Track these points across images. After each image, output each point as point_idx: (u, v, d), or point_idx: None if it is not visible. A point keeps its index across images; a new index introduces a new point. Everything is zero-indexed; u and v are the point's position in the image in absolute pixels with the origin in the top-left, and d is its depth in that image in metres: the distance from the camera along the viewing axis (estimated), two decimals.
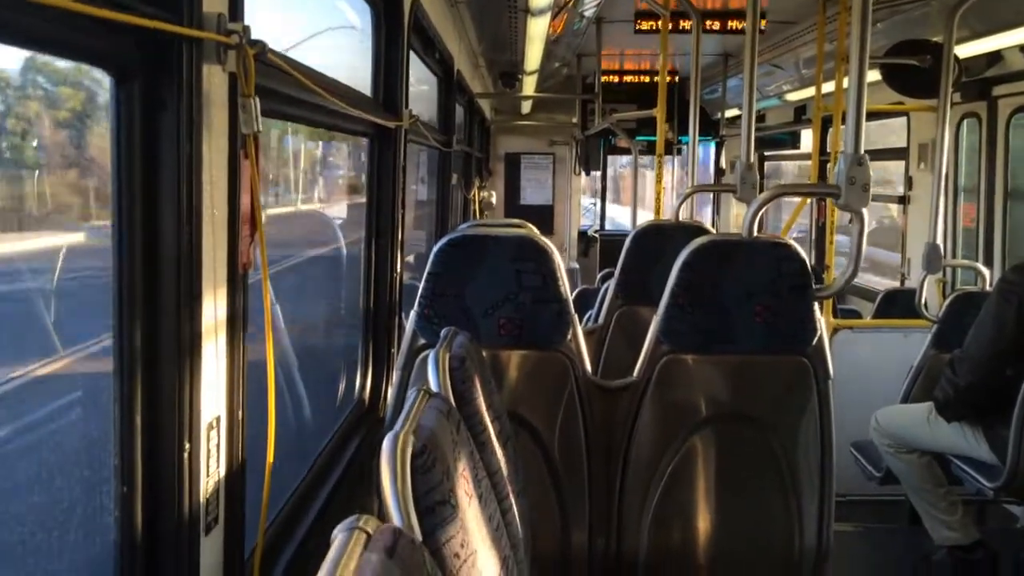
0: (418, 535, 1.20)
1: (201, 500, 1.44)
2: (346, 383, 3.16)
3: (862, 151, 2.63)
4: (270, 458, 1.63)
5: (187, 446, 1.39)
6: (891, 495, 4.17)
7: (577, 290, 6.42)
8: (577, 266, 10.46)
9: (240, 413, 1.57)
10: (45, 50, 1.26)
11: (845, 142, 2.68)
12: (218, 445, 1.50)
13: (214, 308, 1.47)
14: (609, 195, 11.85)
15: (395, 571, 0.98)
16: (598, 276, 6.95)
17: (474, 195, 7.92)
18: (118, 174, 1.34)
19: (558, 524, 2.61)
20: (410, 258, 4.81)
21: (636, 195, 7.13)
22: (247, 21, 1.52)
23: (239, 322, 1.56)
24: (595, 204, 12.01)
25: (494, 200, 9.19)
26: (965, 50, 4.70)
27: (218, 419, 1.50)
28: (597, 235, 10.56)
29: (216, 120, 1.44)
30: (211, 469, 1.47)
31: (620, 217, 12.24)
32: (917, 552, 3.89)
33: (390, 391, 2.97)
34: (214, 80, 1.43)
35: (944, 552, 3.74)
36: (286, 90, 1.83)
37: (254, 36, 1.49)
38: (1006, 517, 4.22)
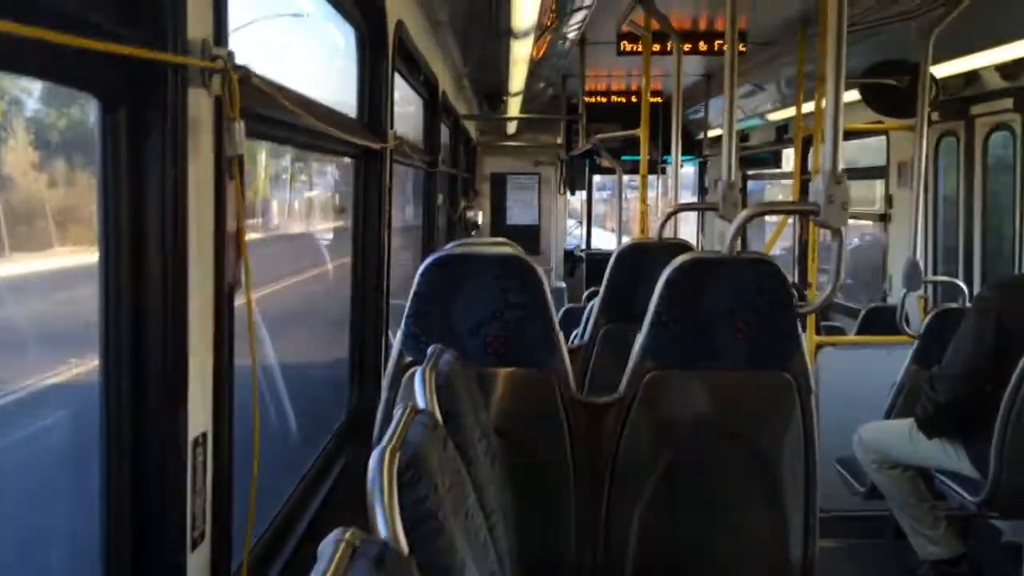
0: (404, 549, 1.22)
1: (187, 516, 1.44)
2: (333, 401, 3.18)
3: (840, 169, 2.67)
4: (255, 474, 1.64)
5: (173, 462, 1.40)
6: (875, 511, 4.19)
7: (563, 309, 6.44)
8: (564, 285, 10.49)
9: (227, 429, 1.58)
10: (32, 76, 1.28)
11: (823, 160, 2.72)
12: (204, 461, 1.51)
13: (200, 327, 1.48)
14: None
15: None
16: (584, 295, 6.97)
17: (460, 215, 7.95)
18: (104, 198, 1.36)
19: (545, 541, 2.62)
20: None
21: (621, 215, 7.18)
22: (232, 46, 1.54)
23: (225, 341, 1.58)
24: (580, 225, 12.07)
25: (480, 220, 9.23)
26: (943, 70, 4.77)
27: (204, 435, 1.51)
28: (583, 254, 10.61)
29: (202, 144, 1.47)
30: (198, 485, 1.48)
31: (601, 241, 12.26)
32: (902, 567, 3.91)
33: (378, 410, 2.98)
34: (199, 104, 1.45)
35: (928, 567, 3.76)
36: (271, 113, 1.86)
37: (238, 61, 1.52)
38: (990, 531, 4.25)
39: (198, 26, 1.42)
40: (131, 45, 1.24)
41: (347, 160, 3.27)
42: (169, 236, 1.37)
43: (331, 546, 1.00)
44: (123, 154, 1.35)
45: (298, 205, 4.01)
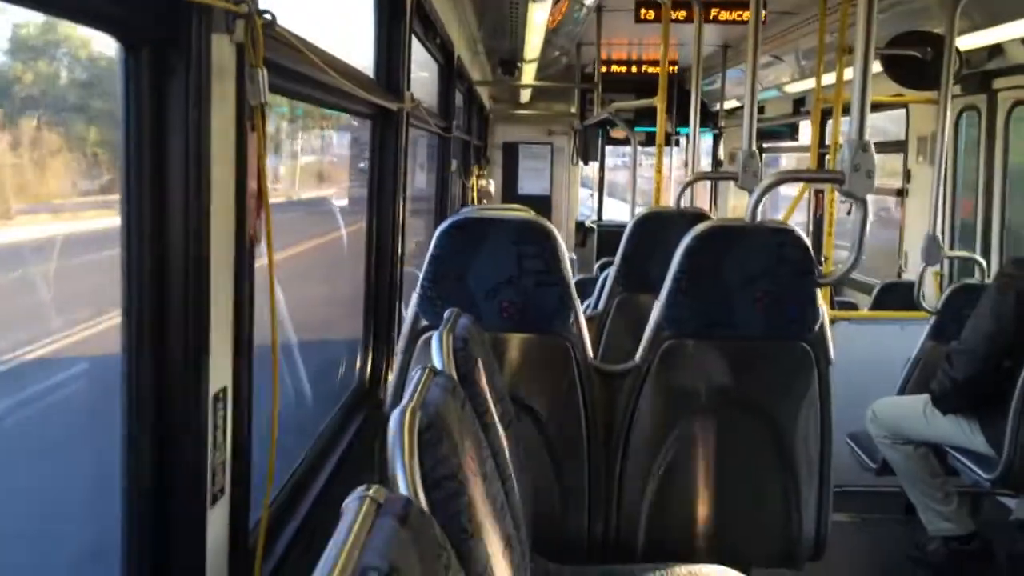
0: (425, 508, 1.20)
1: (208, 471, 1.43)
2: (347, 363, 3.17)
3: (867, 137, 2.63)
4: (275, 431, 1.62)
5: (195, 417, 1.38)
6: (887, 486, 4.18)
7: (575, 279, 6.40)
8: (574, 256, 10.46)
9: (246, 386, 1.57)
10: (54, 13, 1.25)
11: (850, 129, 2.68)
12: (224, 417, 1.49)
13: (221, 279, 1.46)
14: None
15: (407, 539, 0.98)
16: (596, 265, 6.94)
17: (472, 183, 7.91)
18: (126, 143, 1.33)
19: (557, 507, 2.62)
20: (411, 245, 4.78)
21: (635, 185, 7.13)
22: None
23: (246, 294, 1.56)
24: (592, 195, 12.00)
25: (492, 188, 9.18)
26: (966, 42, 4.69)
27: (224, 390, 1.49)
28: (594, 225, 10.55)
29: (223, 92, 1.43)
30: (218, 441, 1.47)
31: (612, 212, 12.15)
32: (912, 543, 3.90)
33: (391, 372, 2.96)
34: (222, 50, 1.42)
35: (939, 543, 3.76)
36: (292, 66, 1.82)
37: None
38: (1001, 508, 4.24)
39: None
40: None
41: (341, 128, 3.21)
42: (192, 184, 1.34)
43: (356, 502, 0.98)
44: (145, 96, 1.32)
45: (283, 171, 3.93)
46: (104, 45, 1.51)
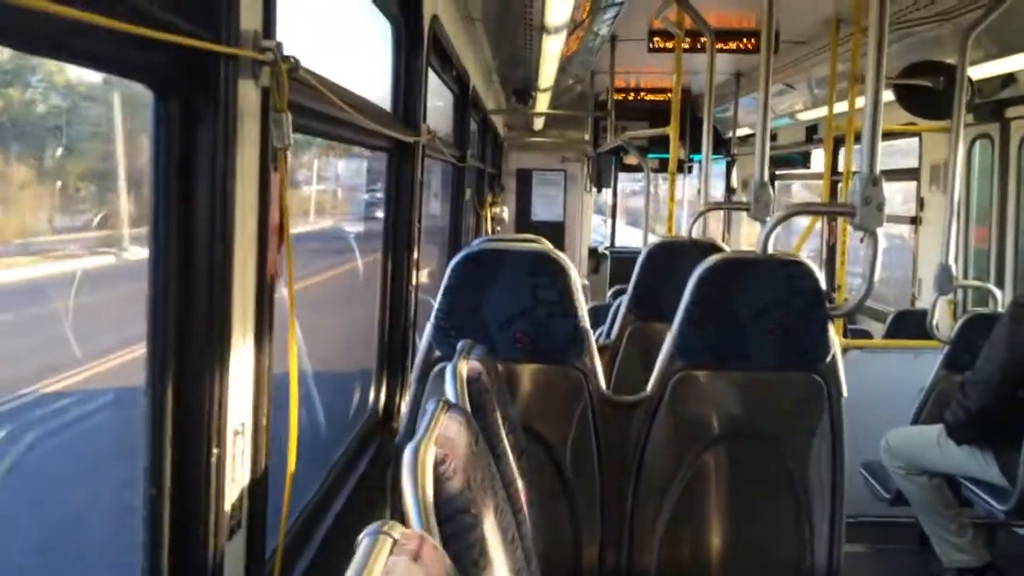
0: (439, 543, 1.22)
1: (226, 505, 1.46)
2: (360, 394, 3.19)
3: (877, 171, 2.65)
4: (291, 466, 1.65)
5: (215, 451, 1.41)
6: (901, 517, 4.15)
7: (589, 306, 6.41)
8: (587, 283, 10.48)
9: (264, 420, 1.60)
10: (89, 65, 1.30)
11: (860, 162, 2.70)
12: (243, 451, 1.52)
13: (243, 316, 1.50)
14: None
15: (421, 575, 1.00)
16: (609, 293, 6.96)
17: (486, 211, 7.95)
18: (156, 185, 1.37)
19: (569, 538, 2.63)
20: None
21: (648, 212, 7.16)
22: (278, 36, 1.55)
23: (266, 330, 1.59)
24: (605, 222, 12.03)
25: (506, 216, 9.22)
26: (978, 71, 4.71)
27: (243, 425, 1.52)
28: (607, 252, 10.58)
29: (248, 134, 1.48)
30: (236, 475, 1.50)
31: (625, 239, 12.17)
32: (927, 574, 3.88)
33: (403, 403, 2.99)
34: (247, 95, 1.46)
35: (954, 574, 3.73)
36: (314, 105, 1.87)
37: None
38: (1016, 540, 4.20)
39: (249, 18, 1.43)
40: (186, 35, 1.26)
41: (350, 156, 3.24)
42: (218, 225, 1.38)
43: (370, 538, 1.00)
44: (175, 142, 1.36)
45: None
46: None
